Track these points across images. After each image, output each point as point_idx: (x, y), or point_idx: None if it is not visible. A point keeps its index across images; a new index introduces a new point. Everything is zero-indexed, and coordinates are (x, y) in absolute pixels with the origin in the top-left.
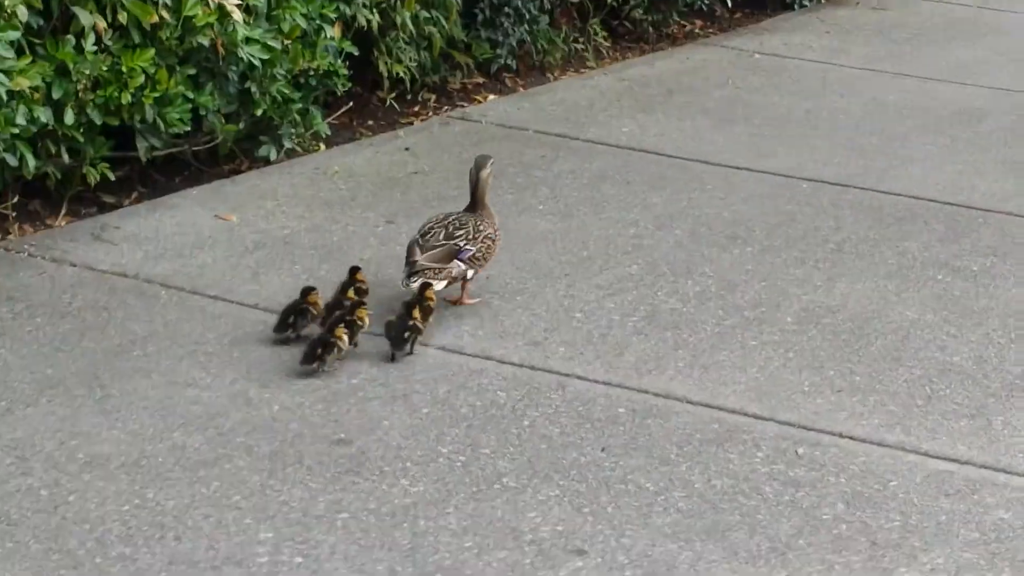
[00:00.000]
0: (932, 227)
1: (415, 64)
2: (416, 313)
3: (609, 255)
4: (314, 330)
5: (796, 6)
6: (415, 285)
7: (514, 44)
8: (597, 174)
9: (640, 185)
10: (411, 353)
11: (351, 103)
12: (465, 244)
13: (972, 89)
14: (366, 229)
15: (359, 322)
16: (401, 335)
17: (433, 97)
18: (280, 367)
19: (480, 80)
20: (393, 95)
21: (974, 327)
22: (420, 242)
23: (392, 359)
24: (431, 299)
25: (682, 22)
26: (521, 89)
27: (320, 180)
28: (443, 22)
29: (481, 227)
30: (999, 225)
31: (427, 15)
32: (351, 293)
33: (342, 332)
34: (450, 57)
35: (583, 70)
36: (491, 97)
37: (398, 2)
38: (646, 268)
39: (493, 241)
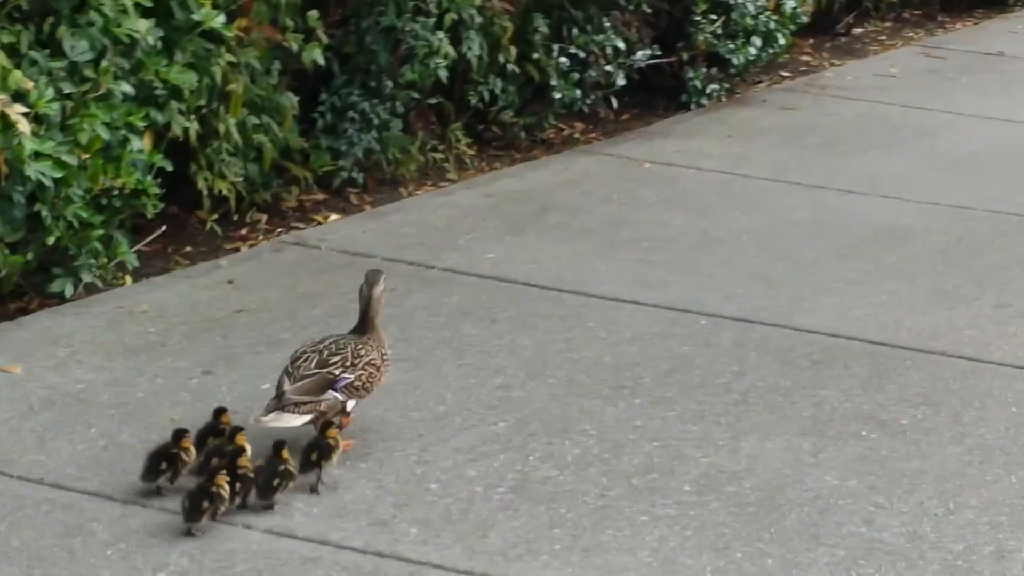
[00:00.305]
0: (853, 371)
1: (241, 179)
2: (285, 454)
3: (470, 410)
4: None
5: (692, 106)
6: (270, 422)
7: (359, 154)
8: (456, 310)
9: (507, 324)
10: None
11: (164, 227)
12: (341, 372)
13: (895, 204)
14: (177, 382)
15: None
16: (270, 482)
17: (264, 218)
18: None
19: (320, 197)
20: (215, 216)
21: (905, 495)
22: (289, 370)
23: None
24: (334, 438)
25: (560, 125)
26: (368, 207)
27: (124, 321)
28: (275, 129)
29: (362, 351)
30: (930, 368)
31: (256, 121)
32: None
33: (224, 480)
34: (285, 170)
35: (442, 184)
36: (333, 217)
37: (220, 107)
38: (515, 426)
39: (377, 368)
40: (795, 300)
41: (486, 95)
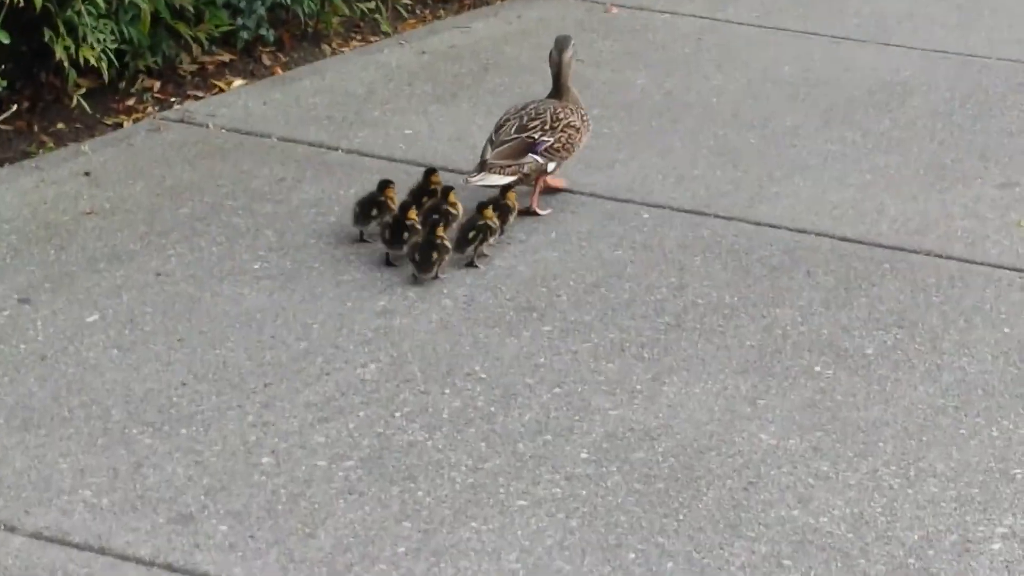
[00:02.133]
0: (816, 280)
1: (116, 44)
2: (488, 213)
3: (338, 347)
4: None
5: None
6: (478, 182)
7: (262, 13)
8: (351, 206)
9: None
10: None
11: (15, 105)
12: (540, 136)
13: (899, 53)
14: None
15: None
16: (465, 236)
17: (157, 85)
18: None
19: (226, 58)
20: (83, 91)
21: (856, 459)
22: (492, 138)
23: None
24: (511, 200)
25: None
26: (280, 70)
27: None
28: None
29: (561, 115)
30: (911, 273)
31: None
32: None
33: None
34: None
35: (374, 38)
36: (237, 83)
37: None
38: (388, 368)
39: (577, 129)
40: (761, 183)
41: None
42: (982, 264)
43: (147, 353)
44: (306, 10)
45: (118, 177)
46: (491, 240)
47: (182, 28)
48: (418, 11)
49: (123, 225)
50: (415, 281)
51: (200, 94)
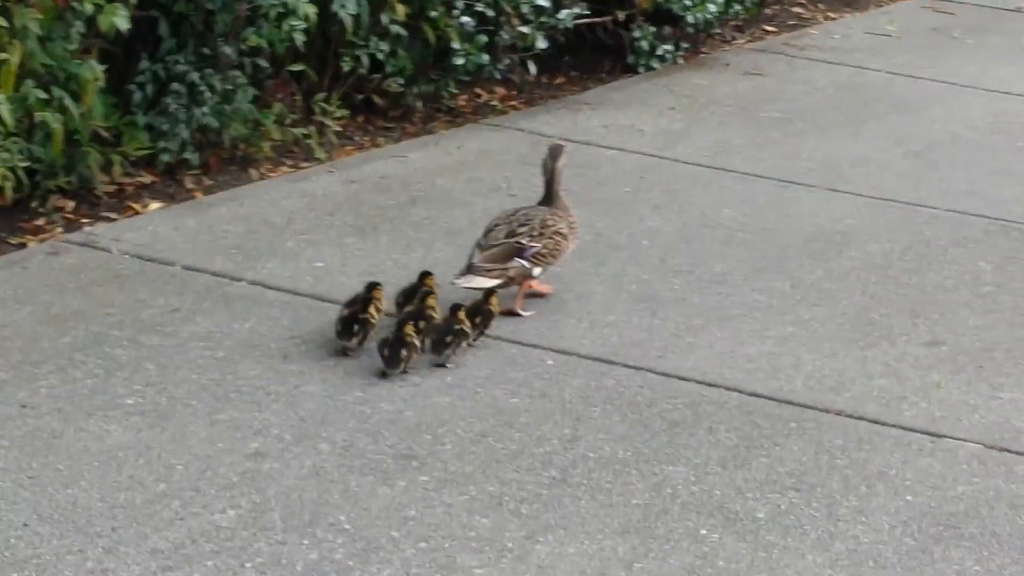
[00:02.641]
0: (718, 436)
1: (26, 164)
2: (460, 314)
3: (198, 491)
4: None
5: (641, 69)
6: (463, 284)
7: (186, 136)
8: (244, 342)
9: (302, 362)
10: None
11: None
12: (528, 242)
13: (845, 200)
14: None
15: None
16: (443, 339)
17: (71, 205)
18: None
19: (148, 179)
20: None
21: None
22: (481, 242)
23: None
24: (493, 306)
25: (478, 91)
26: (201, 194)
27: None
28: (71, 105)
29: (549, 222)
30: (818, 433)
31: (43, 96)
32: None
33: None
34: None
35: (306, 164)
36: (154, 206)
37: None
38: (249, 515)
39: (564, 236)
40: (677, 332)
41: (366, 60)
42: (894, 426)
43: None
44: (232, 134)
45: (3, 302)
46: (465, 344)
47: (93, 151)
48: (356, 138)
49: (9, 351)
50: (296, 423)
51: (114, 216)
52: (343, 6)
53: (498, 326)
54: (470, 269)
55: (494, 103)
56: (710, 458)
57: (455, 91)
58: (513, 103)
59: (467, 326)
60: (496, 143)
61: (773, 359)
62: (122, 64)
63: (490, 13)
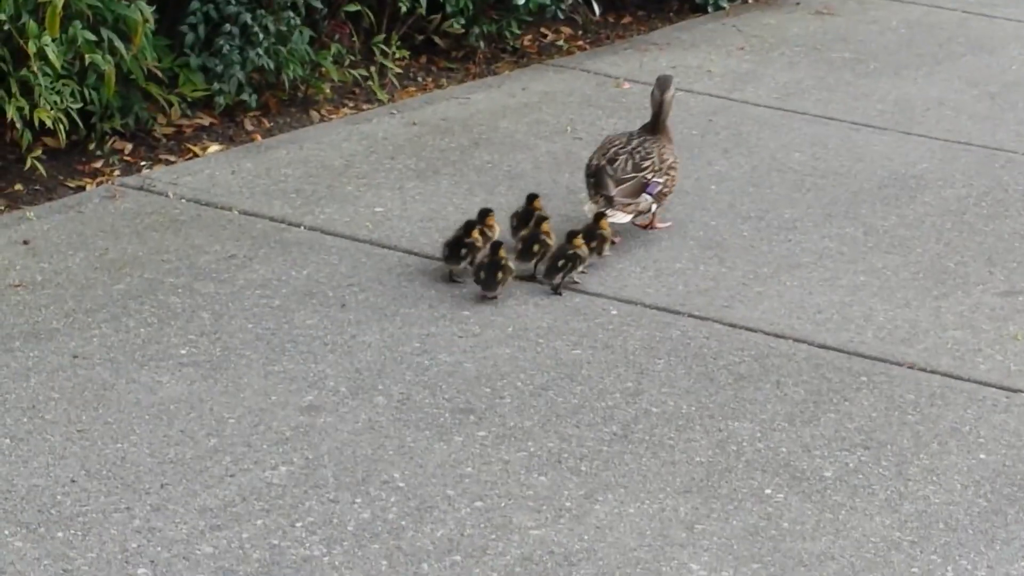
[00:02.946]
0: (785, 391)
1: (80, 105)
2: (578, 241)
3: (250, 446)
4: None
5: (709, 8)
6: (609, 218)
7: (240, 78)
8: (301, 289)
9: (361, 311)
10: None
11: None
12: (653, 177)
13: (919, 143)
14: None
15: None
16: (555, 264)
17: (128, 147)
18: None
19: (206, 121)
20: (38, 153)
21: None
22: (610, 172)
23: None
24: (605, 229)
25: (544, 31)
26: (260, 136)
27: None
28: (121, 47)
29: (666, 156)
30: (890, 388)
31: (92, 38)
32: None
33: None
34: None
35: (367, 106)
36: (212, 148)
37: (31, 22)
38: (300, 471)
39: (676, 171)
40: (745, 281)
41: (424, 1)
42: (968, 380)
43: (41, 445)
44: (291, 76)
45: (57, 247)
46: (580, 268)
47: (153, 90)
48: (419, 79)
49: (50, 300)
50: (352, 374)
51: (172, 159)
52: None
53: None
54: (610, 202)
55: (560, 43)
56: (777, 413)
57: (518, 32)
58: (579, 43)
59: (583, 250)
60: (560, 84)
61: (843, 309)
62: (174, 5)
63: None
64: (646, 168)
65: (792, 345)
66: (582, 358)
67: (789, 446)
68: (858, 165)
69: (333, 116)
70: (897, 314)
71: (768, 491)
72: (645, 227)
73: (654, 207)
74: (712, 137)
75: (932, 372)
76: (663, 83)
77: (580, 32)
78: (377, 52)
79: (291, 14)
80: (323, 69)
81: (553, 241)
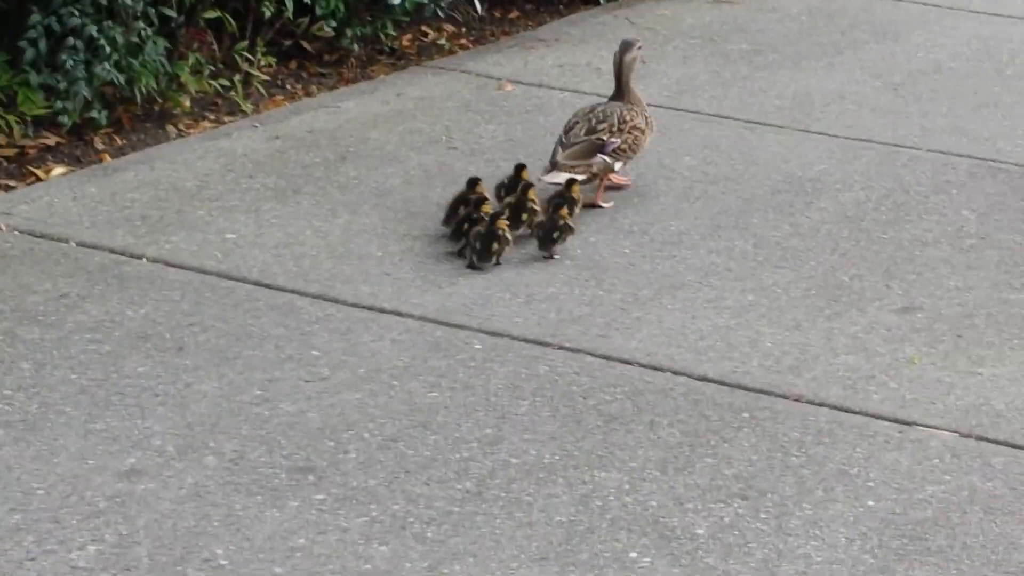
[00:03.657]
0: (659, 433)
1: None
2: (563, 211)
3: (58, 522)
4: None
5: None
6: (549, 179)
7: (87, 94)
8: (135, 332)
9: (199, 355)
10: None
11: None
12: (608, 137)
13: (816, 141)
14: None
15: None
16: (549, 235)
17: None
18: None
19: (52, 141)
20: None
21: None
22: (562, 140)
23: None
24: (575, 193)
25: (426, 30)
26: (108, 157)
27: None
28: None
29: (627, 117)
30: (772, 425)
31: None
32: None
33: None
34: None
35: (230, 118)
36: (57, 171)
37: None
38: (112, 551)
39: (642, 131)
40: (623, 305)
41: (290, 3)
42: (858, 413)
43: None
44: (144, 90)
45: None
46: (569, 237)
47: None
48: (288, 86)
49: None
50: (182, 430)
51: (12, 183)
52: None
53: (423, 304)
54: (555, 166)
55: (442, 42)
56: (648, 460)
57: (394, 33)
58: (462, 42)
59: (571, 221)
60: (439, 88)
61: (728, 335)
62: (14, 20)
63: None
64: (601, 130)
65: (669, 379)
66: (439, 402)
67: (659, 499)
68: (751, 169)
69: (192, 130)
70: (785, 338)
71: (633, 554)
72: (592, 204)
73: (617, 165)
74: None
75: (820, 405)
76: (624, 45)
77: (464, 30)
78: (240, 60)
79: (142, 24)
80: (181, 81)
81: (540, 208)
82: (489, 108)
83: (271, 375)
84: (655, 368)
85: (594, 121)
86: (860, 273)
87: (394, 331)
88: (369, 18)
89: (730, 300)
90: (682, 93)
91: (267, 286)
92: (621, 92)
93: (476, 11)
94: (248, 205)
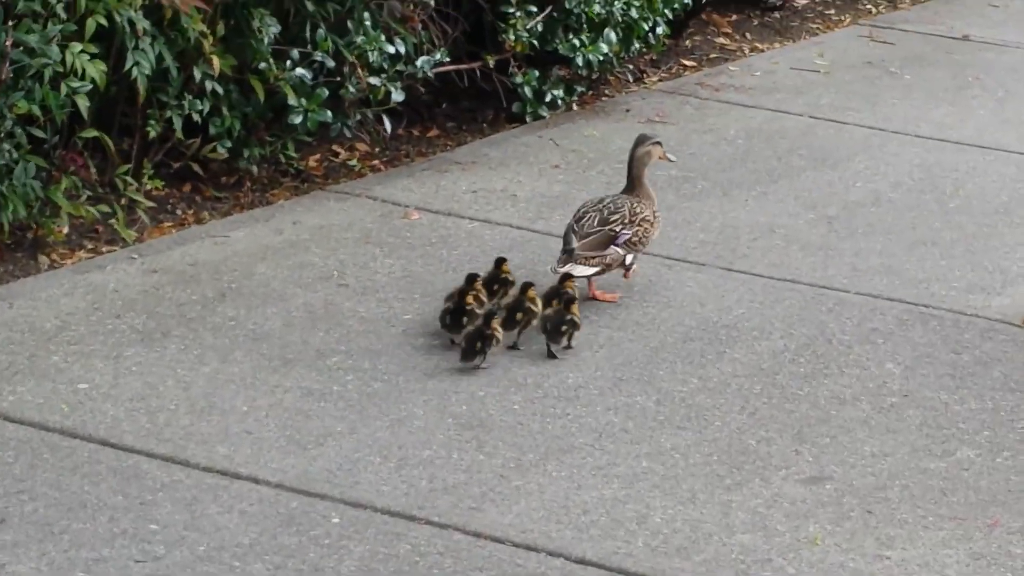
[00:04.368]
0: None
1: None
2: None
3: None
4: None
5: (527, 117)
6: (563, 271)
7: None
8: None
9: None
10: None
11: None
12: (621, 229)
13: (737, 282)
14: None
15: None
16: (558, 329)
17: None
18: None
19: None
20: None
21: None
22: (575, 228)
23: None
24: (571, 288)
25: (337, 148)
26: None
27: None
28: None
29: (637, 209)
30: None
31: None
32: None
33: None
34: None
35: (109, 248)
36: None
37: None
38: None
39: (651, 224)
40: (504, 471)
41: (179, 123)
42: None
43: None
44: (11, 218)
45: None
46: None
47: None
48: (180, 211)
49: None
50: None
51: None
52: (137, 63)
53: (283, 469)
54: (570, 255)
55: (353, 163)
56: None
57: (295, 155)
58: (375, 162)
59: (578, 317)
60: (340, 215)
61: (615, 508)
62: None
63: (331, 64)
64: (614, 221)
65: (543, 561)
66: None
67: None
68: (664, 313)
69: (67, 260)
70: (678, 513)
71: None
72: (626, 276)
73: (629, 258)
74: None
75: None
76: (638, 140)
77: (378, 150)
78: (122, 184)
79: (8, 146)
80: (55, 205)
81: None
82: (390, 239)
83: (99, 553)
84: (529, 548)
85: (606, 212)
86: (769, 436)
87: (245, 501)
88: (268, 138)
89: (622, 467)
90: None
91: (113, 446)
92: (632, 186)
93: (386, 131)
94: (109, 350)
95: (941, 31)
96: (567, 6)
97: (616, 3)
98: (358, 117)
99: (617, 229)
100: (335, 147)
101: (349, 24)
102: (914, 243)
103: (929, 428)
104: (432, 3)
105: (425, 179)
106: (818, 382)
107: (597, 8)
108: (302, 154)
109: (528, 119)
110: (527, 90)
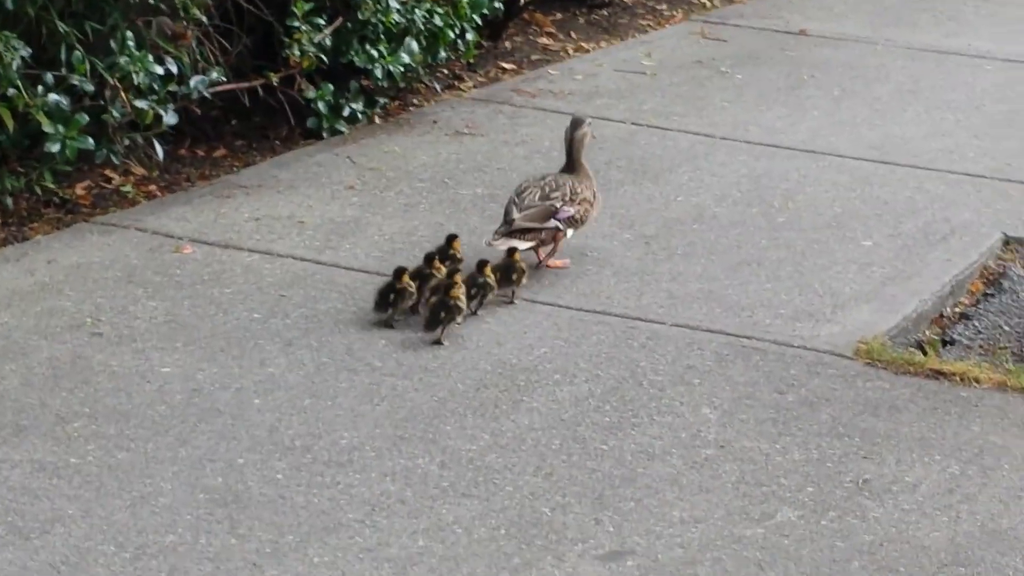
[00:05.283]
0: None
1: None
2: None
3: None
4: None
5: (324, 133)
6: (500, 245)
7: None
8: None
9: None
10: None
11: None
12: (562, 205)
13: (541, 315)
14: None
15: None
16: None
17: None
18: None
19: None
20: None
21: None
22: (516, 200)
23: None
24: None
25: (110, 174)
26: None
27: None
28: None
29: (578, 188)
30: None
31: None
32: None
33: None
34: None
35: None
36: None
37: None
38: None
39: (591, 204)
40: (257, 558)
41: None
42: None
43: None
44: None
45: None
46: (490, 296)
47: None
48: None
49: None
50: None
51: None
52: None
53: (5, 563)
54: (510, 226)
55: (126, 189)
56: None
57: (52, 185)
58: (151, 188)
59: (492, 279)
60: (103, 252)
61: None
62: None
63: (90, 88)
64: (555, 198)
65: None
66: None
67: None
68: (457, 356)
69: None
70: None
71: None
72: (540, 263)
73: (569, 232)
74: (274, 323)
75: None
76: (575, 121)
77: (156, 173)
78: None
79: None
80: None
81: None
82: (156, 278)
83: None
84: None
85: (547, 189)
86: (566, 501)
87: None
88: (21, 169)
89: (395, 547)
90: (393, 254)
91: None
92: (572, 167)
93: (158, 156)
94: None
95: (777, 26)
96: (361, 16)
97: (417, 11)
98: (127, 142)
99: (558, 205)
100: (108, 172)
101: (112, 44)
102: (738, 264)
103: (747, 485)
104: (206, 20)
105: (204, 206)
106: (624, 433)
107: (396, 17)
108: (70, 182)
109: (325, 135)
110: (321, 105)
